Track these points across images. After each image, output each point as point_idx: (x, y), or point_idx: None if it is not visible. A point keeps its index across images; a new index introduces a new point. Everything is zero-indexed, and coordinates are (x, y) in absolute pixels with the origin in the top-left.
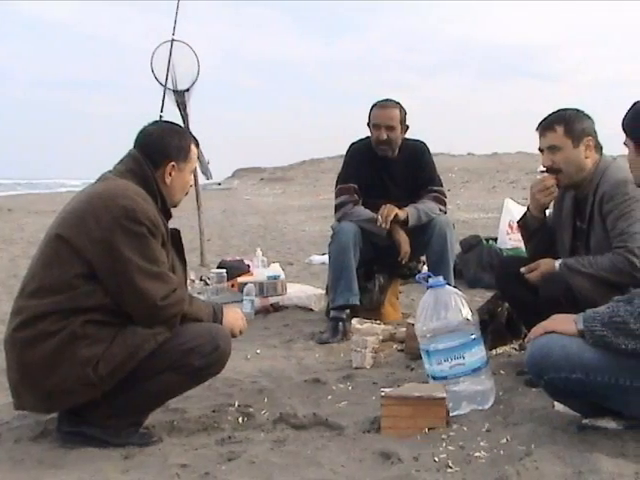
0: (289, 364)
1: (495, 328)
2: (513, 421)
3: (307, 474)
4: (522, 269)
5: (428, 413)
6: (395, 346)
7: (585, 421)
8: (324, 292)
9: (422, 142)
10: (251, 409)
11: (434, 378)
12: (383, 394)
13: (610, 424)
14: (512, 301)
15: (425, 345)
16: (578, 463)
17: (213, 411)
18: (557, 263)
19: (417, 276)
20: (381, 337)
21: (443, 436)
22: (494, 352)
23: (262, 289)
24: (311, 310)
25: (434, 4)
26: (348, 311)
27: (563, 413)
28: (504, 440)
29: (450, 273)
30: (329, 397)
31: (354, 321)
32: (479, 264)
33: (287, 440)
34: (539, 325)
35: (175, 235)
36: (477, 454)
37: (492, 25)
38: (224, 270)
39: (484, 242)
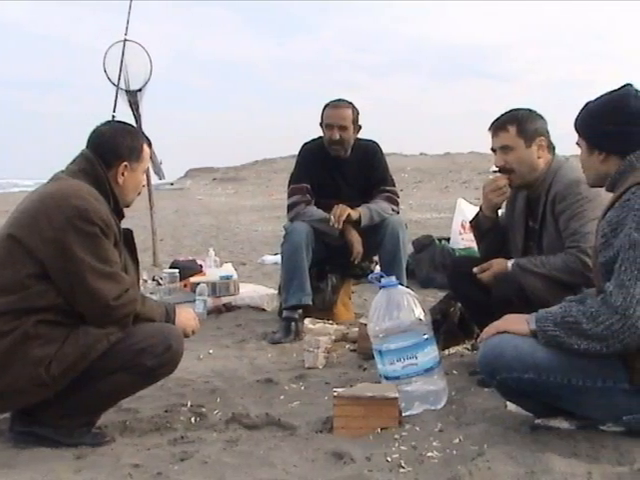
0: (241, 364)
1: (447, 328)
2: (466, 421)
3: (259, 474)
4: (474, 269)
5: (380, 413)
6: (348, 346)
7: (537, 421)
8: (277, 292)
9: (374, 142)
10: (204, 409)
11: (387, 378)
12: (335, 394)
13: (562, 424)
14: (464, 301)
15: (378, 345)
16: (530, 463)
17: (165, 411)
18: (509, 263)
19: (370, 276)
20: (333, 337)
21: (395, 436)
22: (446, 352)
23: (215, 289)
24: (264, 310)
25: (387, 4)
26: (301, 311)
27: (515, 413)
28: (457, 440)
29: (402, 273)
30: (281, 397)
31: (307, 321)
32: (431, 264)
33: (240, 440)
34: (491, 325)
35: (127, 235)
36: (429, 454)
37: (445, 25)
38: (177, 270)
39: (436, 242)
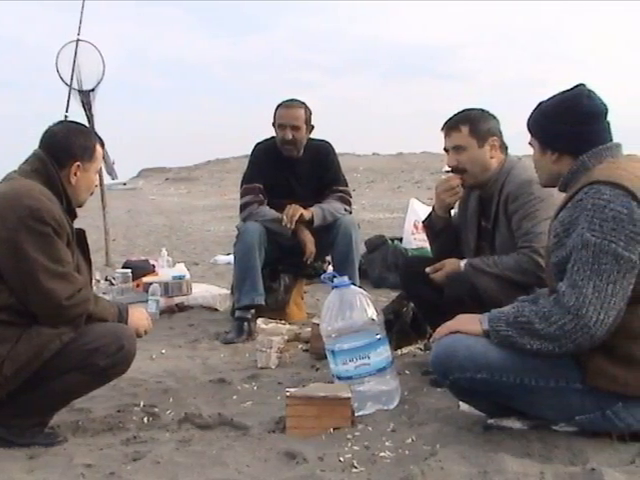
0: (194, 364)
1: (400, 328)
2: (418, 421)
3: (212, 474)
4: (427, 269)
5: (333, 413)
6: (300, 346)
7: (490, 421)
8: (229, 292)
9: (327, 142)
10: (156, 409)
11: (339, 378)
12: (288, 394)
13: (515, 424)
14: (417, 301)
15: (330, 345)
16: (483, 463)
17: (118, 411)
18: (462, 263)
19: (322, 276)
20: (286, 337)
21: (348, 436)
22: (399, 352)
23: (167, 289)
24: (216, 310)
25: (339, 4)
26: (253, 311)
27: (468, 413)
28: (409, 440)
29: (355, 273)
30: (234, 397)
31: (259, 321)
32: (384, 264)
33: (192, 440)
34: (444, 325)
35: (80, 235)
36: (382, 454)
37: (398, 25)
38: (129, 270)
39: (389, 242)
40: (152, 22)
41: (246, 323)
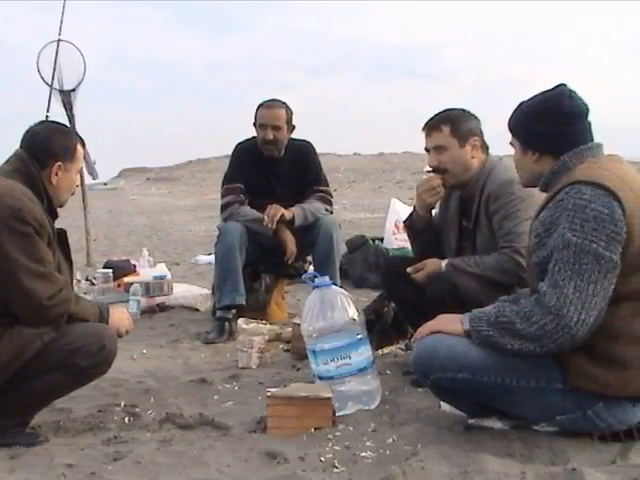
0: (175, 364)
1: (381, 328)
2: (399, 421)
3: (193, 474)
4: (408, 269)
5: (314, 413)
6: (281, 346)
7: (471, 421)
8: (210, 292)
9: (308, 142)
10: (137, 409)
11: (320, 378)
12: (269, 394)
13: (496, 424)
14: (398, 301)
15: (311, 345)
16: (464, 463)
17: (99, 411)
18: (443, 263)
19: (303, 276)
20: (267, 337)
21: (329, 436)
22: (380, 352)
23: (148, 289)
24: (197, 310)
25: (321, 4)
26: (234, 311)
27: (449, 413)
28: (390, 440)
29: (336, 273)
30: (215, 397)
31: (240, 321)
32: (365, 264)
33: (173, 440)
34: (425, 325)
35: (61, 235)
36: (363, 454)
37: (379, 25)
38: (110, 270)
39: (370, 242)
40: (133, 22)
41: (227, 323)
